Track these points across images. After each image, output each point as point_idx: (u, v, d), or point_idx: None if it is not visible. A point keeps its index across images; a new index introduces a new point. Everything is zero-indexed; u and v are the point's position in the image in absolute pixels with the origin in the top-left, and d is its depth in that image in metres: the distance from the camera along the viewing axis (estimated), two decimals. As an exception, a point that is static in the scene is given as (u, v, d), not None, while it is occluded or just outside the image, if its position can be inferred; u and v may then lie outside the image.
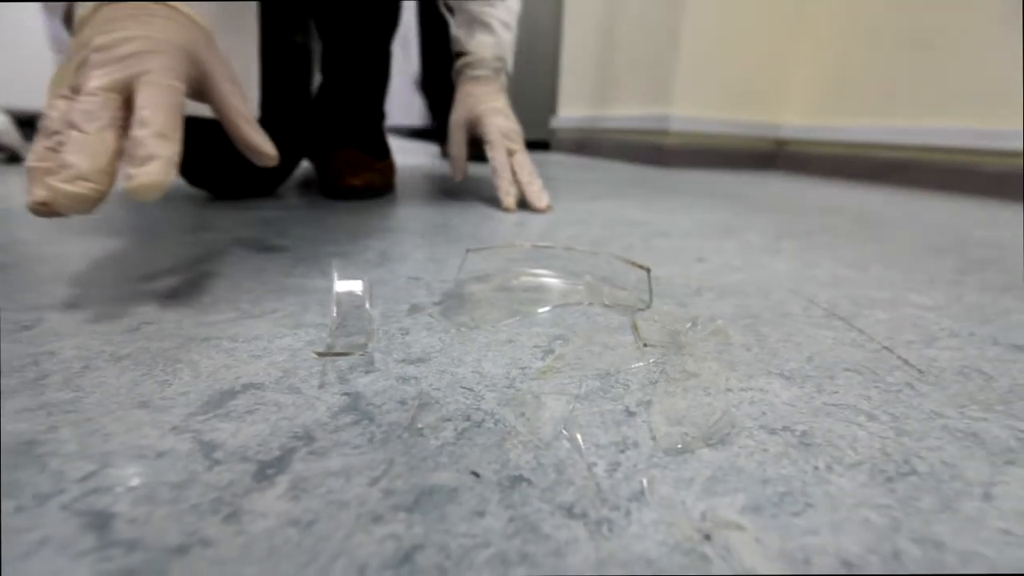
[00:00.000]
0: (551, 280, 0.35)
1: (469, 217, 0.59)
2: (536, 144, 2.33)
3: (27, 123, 1.79)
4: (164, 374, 0.21)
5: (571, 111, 1.95)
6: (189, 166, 0.60)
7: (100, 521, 0.14)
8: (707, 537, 0.13)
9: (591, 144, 1.84)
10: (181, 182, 0.73)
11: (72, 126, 0.25)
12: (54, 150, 0.25)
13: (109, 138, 0.26)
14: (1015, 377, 0.24)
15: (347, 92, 0.74)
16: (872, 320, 0.31)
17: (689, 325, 0.28)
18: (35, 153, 0.26)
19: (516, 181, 0.67)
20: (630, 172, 1.29)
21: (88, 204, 0.25)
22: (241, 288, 0.32)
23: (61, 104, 0.26)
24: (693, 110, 1.43)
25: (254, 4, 0.52)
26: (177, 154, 0.27)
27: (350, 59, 0.72)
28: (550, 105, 2.18)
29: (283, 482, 0.15)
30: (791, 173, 1.49)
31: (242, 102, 0.34)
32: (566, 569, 0.12)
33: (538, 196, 0.65)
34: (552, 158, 1.70)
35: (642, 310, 0.30)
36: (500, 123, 0.67)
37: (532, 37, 2.13)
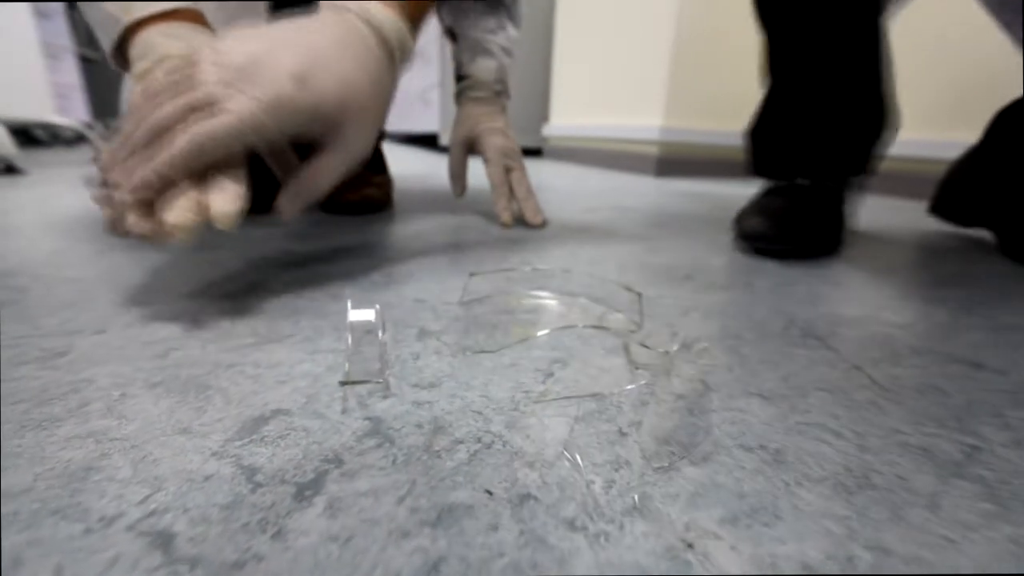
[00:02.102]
0: (549, 303, 0.37)
1: (469, 235, 0.61)
2: (528, 151, 2.36)
3: (21, 132, 1.78)
4: (197, 400, 0.23)
5: (563, 119, 1.98)
6: None
7: (163, 540, 0.16)
8: (690, 546, 0.16)
9: (583, 152, 1.87)
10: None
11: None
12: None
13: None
14: (970, 394, 0.27)
15: None
16: (844, 339, 0.33)
17: (676, 347, 0.30)
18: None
19: (514, 198, 0.69)
20: (621, 182, 1.32)
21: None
22: (255, 311, 0.34)
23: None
24: (683, 121, 1.46)
25: (262, 4, 0.55)
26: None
27: None
28: (542, 113, 2.22)
29: (320, 503, 0.17)
30: (778, 182, 1.53)
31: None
32: (570, 573, 0.15)
33: (534, 213, 0.68)
34: (544, 166, 1.73)
35: (633, 332, 0.33)
36: (499, 142, 0.70)
37: (524, 45, 2.16)
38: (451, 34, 0.76)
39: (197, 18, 0.39)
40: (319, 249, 0.51)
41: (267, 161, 0.38)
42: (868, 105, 0.63)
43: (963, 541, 0.17)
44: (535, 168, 1.64)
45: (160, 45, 0.35)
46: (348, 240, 0.56)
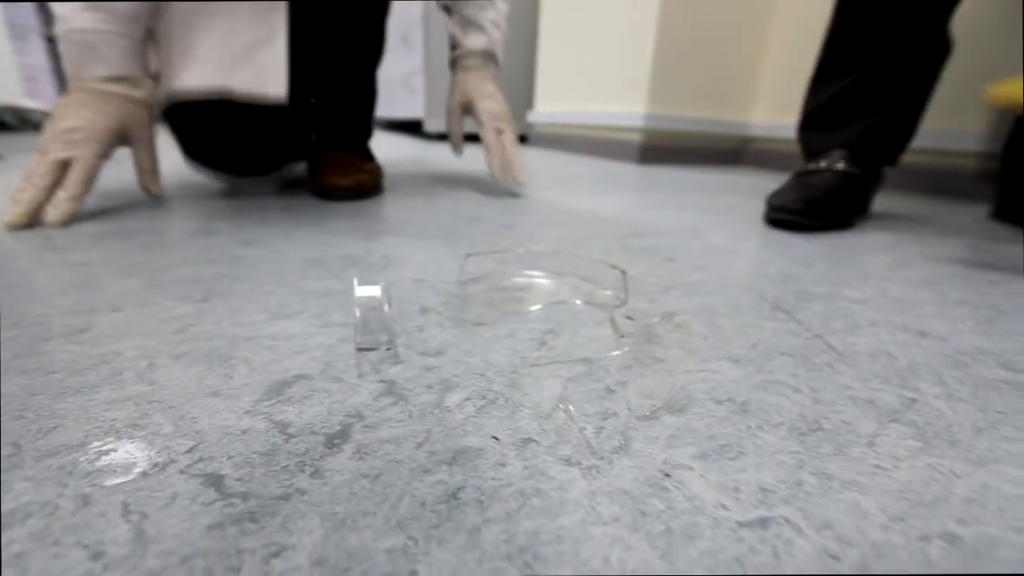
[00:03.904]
0: (541, 281, 0.40)
1: (461, 219, 0.63)
2: (514, 138, 2.36)
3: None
4: (223, 368, 0.25)
5: (548, 106, 1.99)
6: (201, 149, 0.71)
7: (214, 481, 0.18)
8: (667, 475, 0.19)
9: (567, 139, 1.89)
10: (181, 184, 0.74)
11: (31, 178, 0.52)
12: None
13: (46, 191, 0.52)
14: (914, 357, 0.30)
15: (336, 112, 0.79)
16: (810, 312, 0.37)
17: (657, 319, 0.33)
18: (17, 187, 0.52)
19: (504, 156, 0.80)
20: (606, 168, 1.35)
21: (22, 222, 0.50)
22: (263, 291, 0.36)
23: (36, 159, 0.53)
24: (665, 108, 1.49)
25: (283, 4, 0.61)
26: (79, 206, 0.54)
27: (338, 83, 0.78)
28: (527, 100, 2.22)
29: (349, 449, 0.20)
30: (757, 169, 1.57)
31: (148, 157, 0.62)
32: (568, 498, 0.17)
33: (520, 169, 0.80)
34: (530, 152, 1.74)
35: (619, 306, 0.36)
36: (490, 106, 0.79)
37: (510, 32, 2.16)
38: (446, 9, 0.83)
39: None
40: (317, 233, 0.53)
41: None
42: (917, 104, 0.70)
43: (892, 469, 0.20)
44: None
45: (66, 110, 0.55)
46: (344, 225, 0.57)
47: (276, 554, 0.15)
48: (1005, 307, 0.40)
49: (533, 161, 1.47)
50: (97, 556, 0.15)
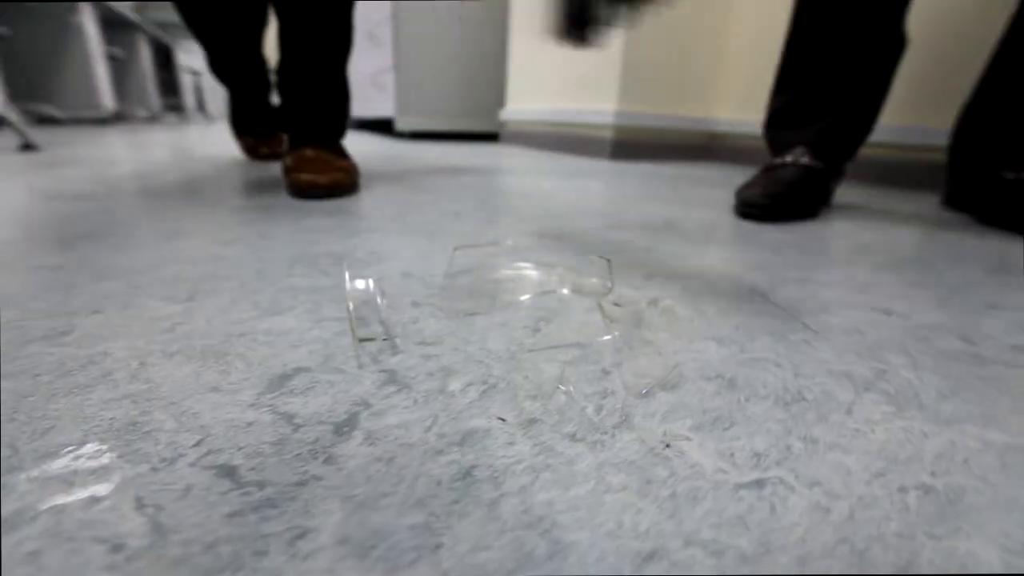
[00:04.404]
0: (529, 272, 0.40)
1: (439, 215, 0.63)
2: (485, 136, 2.37)
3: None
4: (219, 365, 0.25)
5: (520, 104, 2.00)
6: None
7: (227, 471, 0.18)
8: (667, 446, 0.20)
9: (540, 137, 1.91)
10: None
11: None
12: None
13: None
14: (881, 333, 0.32)
15: (308, 106, 0.78)
16: (784, 295, 0.39)
17: (644, 305, 0.34)
18: None
19: None
20: (579, 165, 1.37)
21: None
22: (250, 288, 0.35)
23: None
24: (636, 106, 1.52)
25: None
26: None
27: (308, 76, 0.77)
28: (499, 98, 2.23)
29: (358, 435, 0.20)
30: (724, 163, 1.62)
31: None
32: (577, 470, 0.18)
33: None
34: (502, 150, 1.75)
35: (606, 294, 0.37)
36: None
37: (480, 30, 2.16)
38: None
39: None
40: (298, 232, 0.52)
41: None
42: (874, 101, 0.73)
43: (868, 431, 0.21)
44: (491, 153, 1.66)
45: None
46: (324, 223, 0.57)
47: (300, 536, 0.15)
48: (959, 286, 0.43)
49: (506, 158, 1.48)
50: (117, 549, 0.15)
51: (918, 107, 1.11)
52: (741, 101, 1.58)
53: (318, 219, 0.58)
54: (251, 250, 0.45)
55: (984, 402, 0.24)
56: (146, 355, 0.26)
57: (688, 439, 0.20)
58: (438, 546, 0.15)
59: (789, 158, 0.74)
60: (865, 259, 0.50)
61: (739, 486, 0.18)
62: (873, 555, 0.15)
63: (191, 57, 4.54)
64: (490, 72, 2.22)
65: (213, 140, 1.82)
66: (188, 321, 0.30)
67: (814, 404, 0.23)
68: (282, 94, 0.79)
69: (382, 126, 2.49)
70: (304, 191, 0.71)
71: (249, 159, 1.17)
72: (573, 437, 0.20)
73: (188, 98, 4.69)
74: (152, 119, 3.70)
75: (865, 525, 0.16)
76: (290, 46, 0.76)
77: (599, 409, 0.22)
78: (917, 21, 0.78)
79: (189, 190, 0.74)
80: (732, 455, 0.19)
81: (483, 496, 0.17)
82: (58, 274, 0.37)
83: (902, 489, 0.18)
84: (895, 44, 0.71)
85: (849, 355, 0.29)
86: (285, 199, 0.70)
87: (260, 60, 1.11)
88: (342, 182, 0.74)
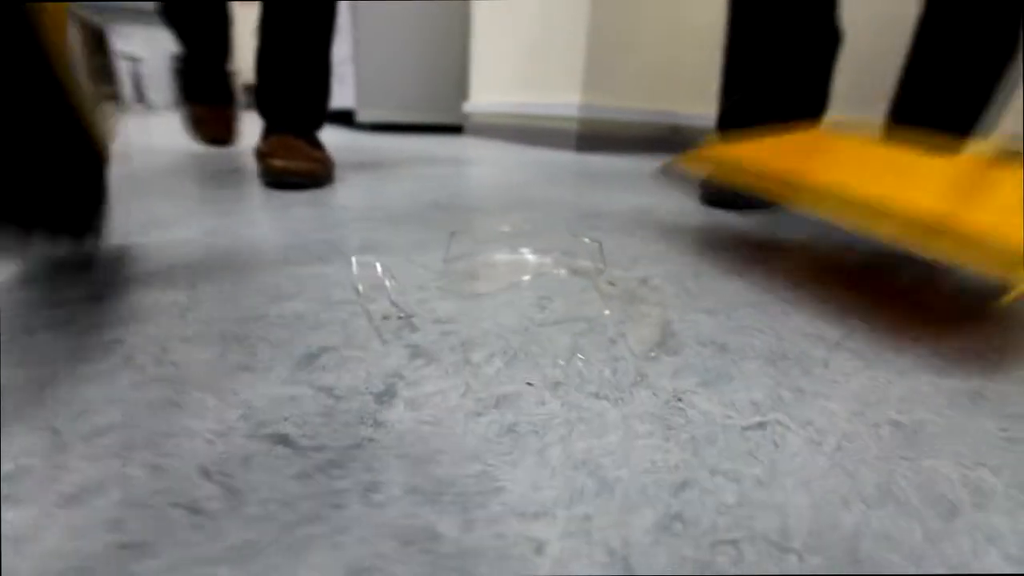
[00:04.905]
0: (526, 255, 0.42)
1: (421, 205, 0.64)
2: (449, 128, 2.35)
3: None
4: (242, 347, 0.26)
5: (483, 97, 2.01)
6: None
7: (281, 439, 0.19)
8: (679, 400, 0.22)
9: (504, 129, 1.92)
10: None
11: None
12: None
13: None
14: (844, 302, 0.36)
15: (285, 91, 0.76)
16: (758, 273, 0.42)
17: (636, 283, 0.37)
18: None
19: None
20: (545, 156, 1.39)
21: None
22: (252, 276, 0.35)
23: None
24: (600, 98, 1.56)
25: None
26: None
27: (288, 58, 0.75)
28: (462, 90, 2.22)
29: (399, 403, 0.21)
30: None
31: None
32: (607, 422, 0.20)
33: None
34: (468, 142, 1.75)
35: (599, 274, 0.39)
36: None
37: (442, 22, 2.14)
38: None
39: None
40: (285, 222, 0.52)
41: None
42: (818, 96, 0.77)
43: (844, 381, 0.25)
44: (456, 145, 1.66)
45: None
46: (309, 213, 0.56)
47: (371, 489, 0.16)
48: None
49: (472, 149, 1.49)
50: (196, 511, 0.16)
51: (865, 100, 1.20)
52: (701, 94, 1.65)
53: (302, 209, 0.58)
54: (241, 240, 0.44)
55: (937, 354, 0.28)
56: (164, 340, 0.26)
57: (696, 393, 0.23)
58: (500, 489, 0.17)
59: None
60: (822, 242, 0.55)
61: (745, 428, 0.20)
62: (861, 475, 0.18)
63: (128, 42, 4.25)
64: (453, 64, 2.20)
65: (159, 132, 1.73)
66: (195, 308, 0.30)
67: (796, 361, 0.27)
68: (260, 76, 0.76)
69: (342, 117, 2.43)
70: (279, 177, 0.69)
71: (196, 140, 1.07)
72: (597, 395, 0.22)
73: (126, 87, 4.38)
74: (85, 108, 3.43)
75: (851, 453, 0.19)
76: (272, 26, 0.73)
77: (615, 371, 0.24)
78: (855, 8, 0.84)
79: (149, 183, 0.71)
80: (735, 404, 0.22)
81: (530, 446, 0.19)
82: (57, 262, 0.36)
83: (876, 425, 0.21)
84: (830, 39, 0.76)
85: (819, 321, 0.32)
86: (259, 191, 0.68)
87: (224, 10, 0.99)
88: (318, 172, 0.73)
